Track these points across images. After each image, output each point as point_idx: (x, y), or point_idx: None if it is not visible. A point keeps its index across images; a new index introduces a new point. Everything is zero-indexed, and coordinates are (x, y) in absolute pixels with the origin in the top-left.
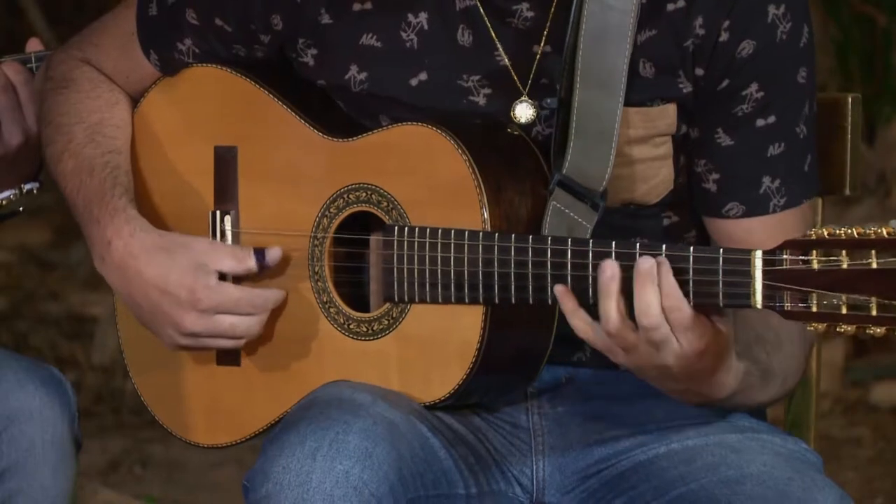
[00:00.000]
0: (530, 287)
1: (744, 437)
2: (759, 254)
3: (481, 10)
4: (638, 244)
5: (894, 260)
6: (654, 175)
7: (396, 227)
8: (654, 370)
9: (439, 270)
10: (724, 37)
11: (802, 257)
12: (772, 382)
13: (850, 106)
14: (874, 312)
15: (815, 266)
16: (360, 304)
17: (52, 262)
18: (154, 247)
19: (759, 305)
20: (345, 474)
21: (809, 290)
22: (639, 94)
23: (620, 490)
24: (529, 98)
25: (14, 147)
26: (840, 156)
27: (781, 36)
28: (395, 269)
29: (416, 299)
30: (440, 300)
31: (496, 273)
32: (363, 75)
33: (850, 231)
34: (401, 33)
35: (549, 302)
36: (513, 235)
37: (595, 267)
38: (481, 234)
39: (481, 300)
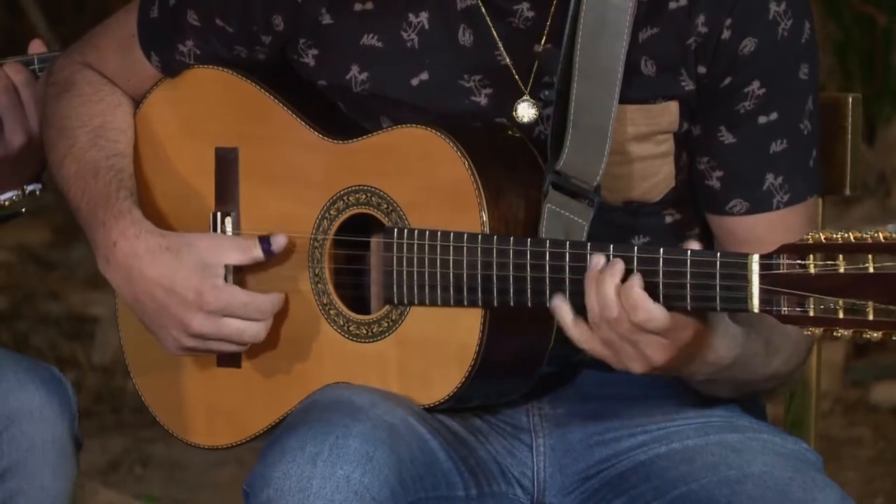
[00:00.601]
0: (529, 290)
1: (744, 437)
2: (756, 258)
3: (482, 10)
4: (636, 247)
5: (891, 264)
6: (656, 173)
7: (396, 230)
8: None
9: (438, 273)
10: (725, 35)
11: (799, 261)
12: (774, 355)
13: (850, 106)
14: (871, 317)
15: (812, 270)
16: (360, 306)
17: (52, 262)
18: (159, 247)
19: (755, 309)
20: (345, 479)
21: (806, 294)
22: (641, 91)
23: (621, 490)
24: (531, 97)
25: (16, 148)
26: (840, 156)
27: (783, 33)
28: (395, 272)
29: (416, 302)
30: (439, 303)
31: (495, 276)
32: (364, 75)
33: (847, 235)
34: (402, 33)
35: (548, 305)
36: (511, 238)
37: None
38: (480, 236)
39: (480, 303)
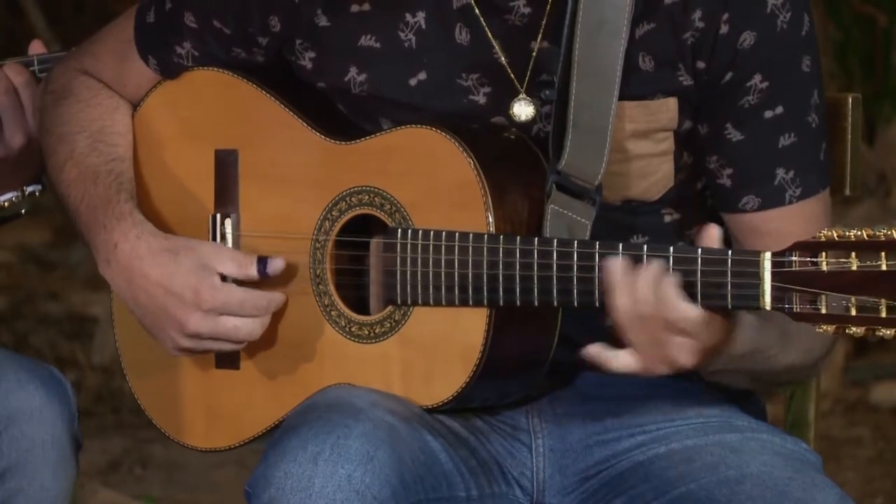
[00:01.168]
0: (536, 289)
1: (743, 437)
2: (767, 255)
3: (475, 9)
4: (645, 246)
5: None
6: (655, 171)
7: (399, 230)
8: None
9: (443, 273)
10: (724, 29)
11: (811, 259)
12: (791, 345)
13: (850, 106)
14: (884, 314)
15: (825, 268)
16: (363, 307)
17: (52, 262)
18: (160, 249)
19: (767, 307)
20: (347, 478)
21: (818, 291)
22: (639, 87)
23: (620, 490)
24: (528, 95)
25: (16, 149)
26: (840, 156)
27: (782, 25)
28: (398, 272)
29: (419, 302)
30: (443, 303)
31: (501, 275)
32: (363, 76)
33: (859, 233)
34: (399, 33)
35: (555, 304)
36: (518, 238)
37: (602, 268)
38: (486, 236)
39: (485, 302)
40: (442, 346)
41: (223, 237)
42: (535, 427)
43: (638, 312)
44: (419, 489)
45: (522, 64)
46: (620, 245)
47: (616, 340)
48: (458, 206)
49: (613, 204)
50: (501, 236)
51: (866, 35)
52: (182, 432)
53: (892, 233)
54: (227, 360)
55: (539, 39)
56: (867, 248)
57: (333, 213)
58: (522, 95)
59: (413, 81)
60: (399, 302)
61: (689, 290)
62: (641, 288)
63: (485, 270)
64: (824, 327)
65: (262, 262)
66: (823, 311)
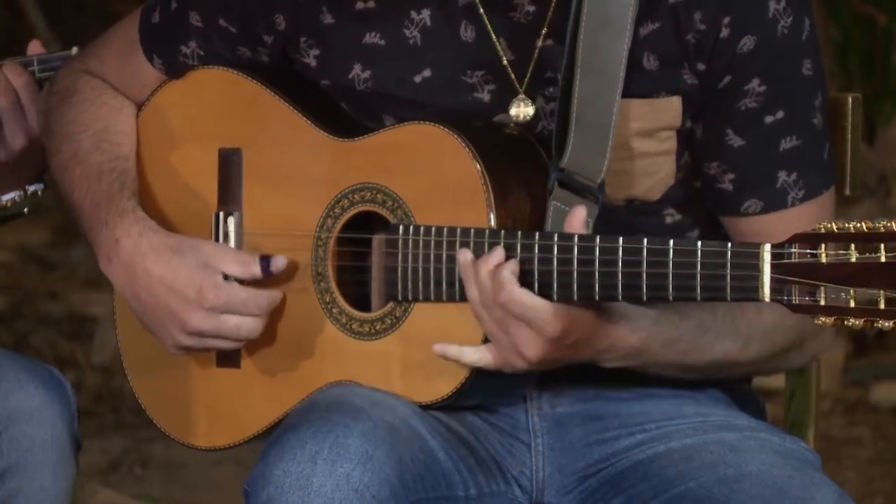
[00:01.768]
0: (536, 284)
1: (742, 435)
2: (767, 247)
3: (479, 6)
4: (645, 239)
5: None
6: (658, 170)
7: (401, 226)
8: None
9: (444, 269)
10: (724, 33)
11: (811, 251)
12: (718, 338)
13: (850, 106)
14: (882, 306)
15: (824, 260)
16: (364, 304)
17: (52, 262)
18: (163, 246)
19: (766, 298)
20: (346, 477)
21: (818, 283)
22: (643, 86)
23: (620, 489)
24: (530, 94)
25: (17, 150)
26: (840, 156)
27: (782, 30)
28: (399, 268)
29: (420, 298)
30: (444, 298)
31: None
32: (367, 73)
33: (858, 225)
34: (404, 31)
35: (555, 299)
36: (519, 233)
37: (602, 262)
38: (487, 231)
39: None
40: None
41: (226, 235)
42: (534, 426)
43: (482, 301)
44: (418, 488)
45: (526, 62)
46: (621, 239)
47: None
48: (461, 203)
49: (616, 204)
50: (503, 231)
51: (866, 35)
52: (183, 431)
53: (891, 225)
54: (228, 359)
55: (543, 37)
56: (867, 240)
57: (336, 210)
58: (522, 96)
59: (418, 78)
60: (400, 298)
61: (688, 282)
62: (482, 277)
63: None
64: (823, 319)
65: (265, 260)
66: (822, 302)
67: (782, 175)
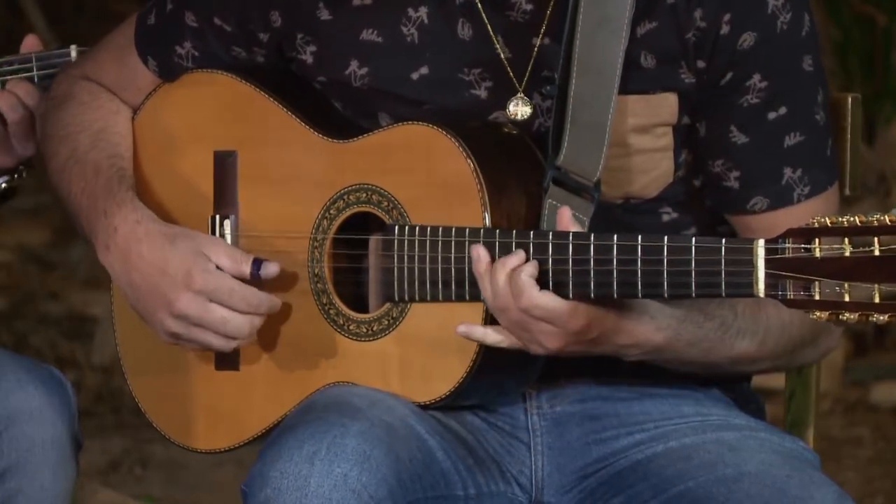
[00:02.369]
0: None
1: (741, 435)
2: (761, 242)
3: (478, 4)
4: (640, 236)
5: None
6: (655, 167)
7: (397, 227)
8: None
9: (440, 269)
10: (724, 30)
11: (805, 245)
12: (739, 336)
13: (850, 106)
14: (877, 300)
15: (818, 254)
16: (361, 305)
17: (52, 262)
18: (158, 233)
19: (761, 294)
20: (343, 478)
21: (812, 278)
22: (640, 83)
23: (619, 489)
24: (527, 92)
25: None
26: (840, 156)
27: (782, 26)
28: (396, 269)
29: (417, 298)
30: (441, 298)
31: None
32: (364, 70)
33: (852, 219)
34: (401, 28)
35: (570, 297)
36: (514, 232)
37: (597, 261)
38: (482, 231)
39: (482, 298)
40: (439, 342)
41: (222, 238)
42: (533, 425)
43: (498, 304)
44: (416, 488)
45: (524, 60)
46: (615, 236)
47: None
48: (456, 203)
49: (613, 202)
50: (497, 231)
51: (866, 35)
52: (183, 434)
53: (884, 218)
54: (227, 361)
55: (541, 36)
56: (860, 234)
57: (331, 211)
58: (520, 94)
59: (415, 75)
60: (396, 299)
61: (682, 279)
62: (498, 281)
63: None
64: (818, 314)
65: (257, 263)
66: (817, 297)
67: (787, 171)
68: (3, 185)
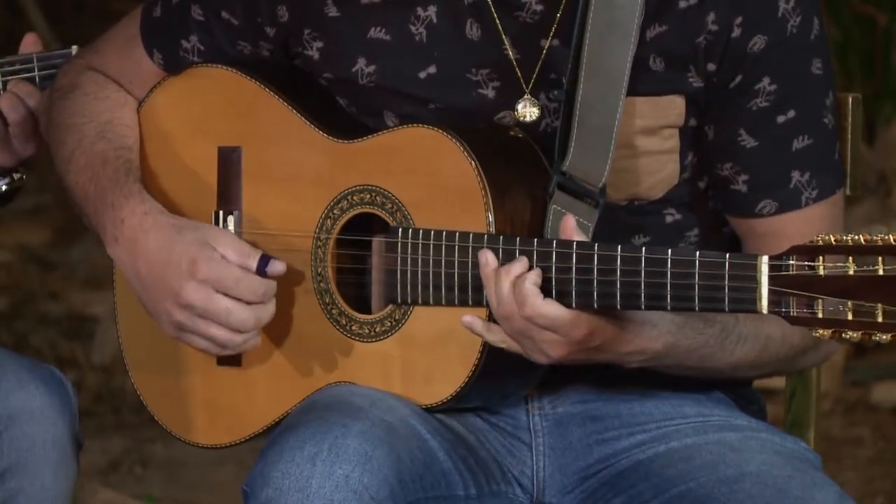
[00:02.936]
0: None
1: (742, 435)
2: (765, 259)
3: (490, 4)
4: (644, 248)
5: None
6: (661, 169)
7: (400, 229)
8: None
9: (443, 272)
10: (736, 33)
11: (809, 263)
12: (740, 342)
13: (850, 106)
14: (880, 319)
15: (822, 272)
16: (364, 305)
17: (52, 262)
18: (166, 224)
19: (764, 310)
20: (344, 478)
21: (815, 295)
22: (648, 86)
23: (620, 489)
24: (534, 93)
25: (27, 157)
26: (840, 156)
27: (792, 30)
28: (399, 271)
29: (419, 301)
30: (443, 302)
31: None
32: (371, 68)
33: (856, 238)
34: (410, 27)
35: (573, 306)
36: (517, 238)
37: (600, 271)
38: (486, 236)
39: (485, 303)
40: (442, 346)
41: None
42: (535, 426)
43: (502, 312)
44: (417, 488)
45: (532, 61)
46: (619, 247)
47: None
48: (459, 207)
49: (618, 203)
50: (501, 237)
51: (866, 35)
52: (184, 429)
53: (889, 238)
54: (229, 357)
55: (550, 38)
56: (864, 253)
57: (335, 211)
58: (528, 96)
59: (423, 75)
60: (399, 301)
61: (685, 292)
62: (503, 288)
63: None
64: (821, 332)
65: (264, 260)
66: (820, 315)
67: (796, 175)
68: (4, 188)
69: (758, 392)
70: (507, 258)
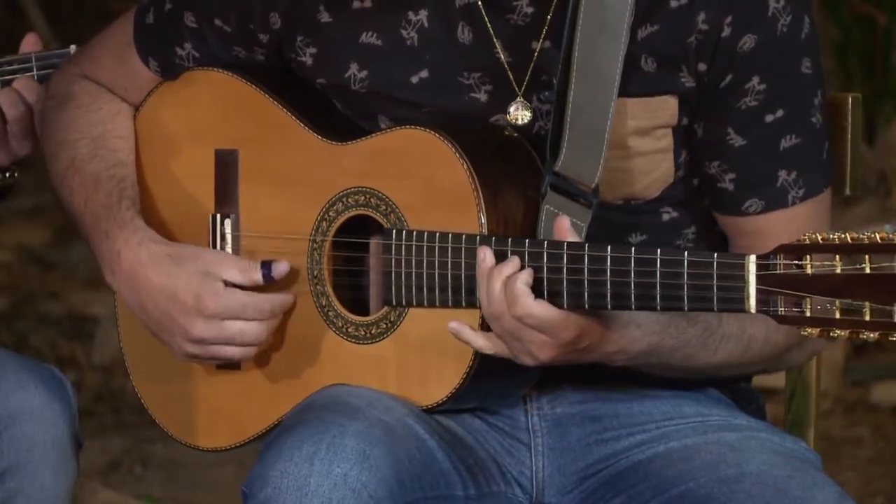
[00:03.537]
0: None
1: (742, 435)
2: (752, 258)
3: (481, 7)
4: (633, 248)
5: (888, 265)
6: (655, 168)
7: (394, 231)
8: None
9: (437, 274)
10: (726, 32)
11: (796, 262)
12: (723, 341)
13: (850, 106)
14: (868, 317)
15: (809, 271)
16: (360, 307)
17: (52, 262)
18: (162, 255)
19: (752, 310)
20: (343, 477)
21: (803, 294)
22: (640, 86)
23: (619, 489)
24: (527, 96)
25: (22, 156)
26: (840, 156)
27: (782, 29)
28: (394, 273)
29: (415, 303)
30: (437, 304)
31: None
32: (363, 73)
33: (843, 236)
34: (401, 31)
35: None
36: (510, 239)
37: (591, 271)
38: (479, 237)
39: (478, 304)
40: (437, 347)
41: (223, 237)
42: (534, 426)
43: (493, 311)
44: (416, 488)
45: (523, 64)
46: (609, 247)
47: None
48: (453, 208)
49: (613, 203)
50: (493, 238)
51: (866, 35)
52: (184, 432)
53: (875, 236)
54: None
55: (541, 40)
56: (851, 251)
57: (330, 213)
58: (520, 99)
59: (415, 79)
60: (394, 303)
61: (674, 292)
62: (494, 287)
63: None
64: (809, 330)
65: (266, 266)
66: (808, 313)
67: (783, 174)
68: None
69: (757, 392)
70: (499, 259)
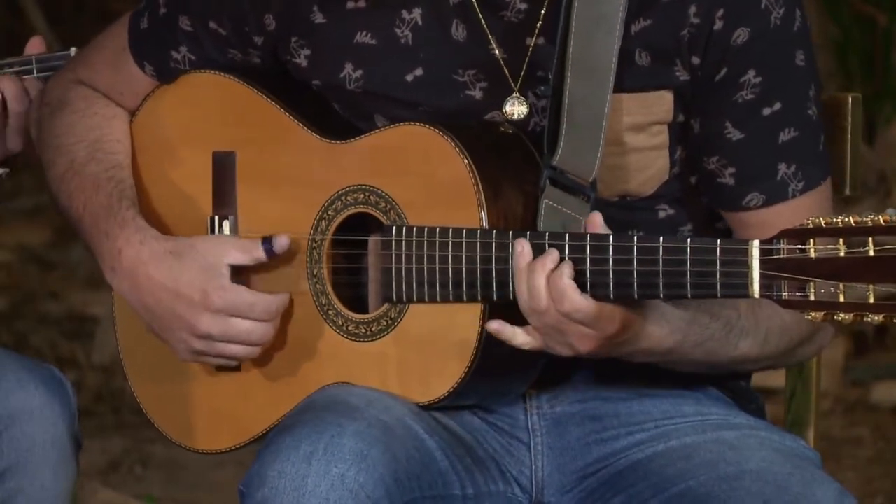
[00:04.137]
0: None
1: (741, 433)
2: (756, 243)
3: (475, 4)
4: (636, 237)
5: (892, 247)
6: (650, 165)
7: (394, 227)
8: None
9: (437, 269)
10: (718, 25)
11: (800, 246)
12: (742, 336)
13: (850, 106)
14: (872, 300)
15: (813, 255)
16: (360, 305)
17: (52, 262)
18: (163, 251)
19: (756, 295)
20: (340, 477)
21: (807, 278)
22: (635, 82)
23: (619, 489)
24: (522, 92)
25: (13, 152)
26: (840, 156)
27: (775, 21)
28: (394, 270)
29: (415, 299)
30: (438, 299)
31: (494, 270)
32: (358, 73)
33: (847, 219)
34: (395, 30)
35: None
36: (510, 232)
37: (593, 261)
38: (479, 231)
39: (479, 298)
40: (438, 343)
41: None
42: (533, 425)
43: (534, 306)
44: (414, 487)
45: (518, 60)
46: (611, 236)
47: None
48: (453, 204)
49: (609, 200)
50: (494, 231)
51: (866, 35)
52: (184, 435)
53: (879, 218)
54: None
55: (535, 36)
56: (855, 234)
57: (329, 212)
58: (516, 94)
59: (409, 77)
60: (395, 299)
61: (677, 279)
62: (538, 283)
63: (478, 266)
64: (813, 314)
65: (267, 241)
66: (812, 298)
67: (782, 167)
68: None
69: (757, 391)
70: (502, 251)
